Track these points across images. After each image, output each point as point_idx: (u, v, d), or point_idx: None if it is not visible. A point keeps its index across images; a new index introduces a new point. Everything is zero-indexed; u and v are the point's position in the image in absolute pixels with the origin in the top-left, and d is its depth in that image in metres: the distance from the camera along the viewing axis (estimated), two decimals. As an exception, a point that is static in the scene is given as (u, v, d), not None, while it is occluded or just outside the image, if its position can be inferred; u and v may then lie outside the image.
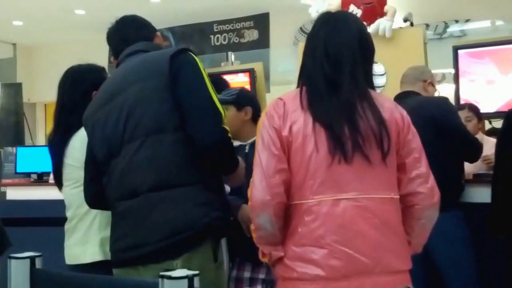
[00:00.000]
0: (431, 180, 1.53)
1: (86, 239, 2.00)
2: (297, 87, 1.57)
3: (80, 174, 1.84)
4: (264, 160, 1.47)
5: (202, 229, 1.58)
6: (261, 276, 2.30)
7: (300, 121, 1.47)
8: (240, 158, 1.77)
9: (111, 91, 1.74)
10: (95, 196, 1.78)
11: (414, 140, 1.54)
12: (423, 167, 1.52)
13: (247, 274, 2.30)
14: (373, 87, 1.59)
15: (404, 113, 1.57)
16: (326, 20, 1.60)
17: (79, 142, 1.98)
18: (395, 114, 1.53)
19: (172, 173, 1.60)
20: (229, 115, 2.37)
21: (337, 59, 1.52)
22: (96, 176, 1.75)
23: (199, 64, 1.68)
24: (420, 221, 1.53)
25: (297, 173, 1.46)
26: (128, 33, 1.84)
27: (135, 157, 1.62)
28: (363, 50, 1.55)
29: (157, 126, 1.61)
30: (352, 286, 1.41)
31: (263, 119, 1.53)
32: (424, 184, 1.51)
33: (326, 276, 1.41)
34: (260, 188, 1.46)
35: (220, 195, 1.69)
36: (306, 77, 1.56)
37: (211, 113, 1.62)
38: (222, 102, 2.39)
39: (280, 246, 1.49)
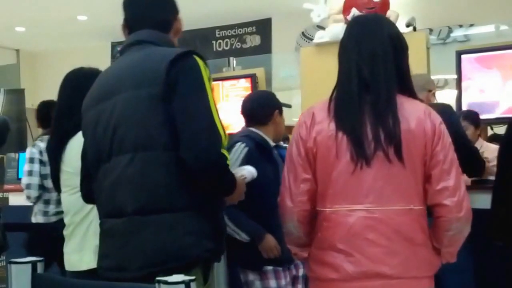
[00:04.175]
0: (460, 194, 1.50)
1: (82, 245, 1.99)
2: (332, 93, 1.58)
3: (77, 180, 1.81)
4: (290, 170, 1.56)
5: (190, 261, 1.44)
6: (284, 282, 2.40)
7: (325, 131, 1.52)
8: (238, 175, 1.63)
9: (104, 90, 1.61)
10: (89, 193, 1.69)
11: (443, 151, 1.50)
12: (452, 179, 1.49)
13: (273, 284, 2.37)
14: (408, 88, 1.58)
15: (438, 122, 1.53)
16: (357, 22, 1.64)
17: (75, 148, 1.95)
18: (424, 124, 1.50)
19: (160, 196, 1.46)
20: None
21: (372, 58, 1.53)
22: (89, 174, 1.66)
23: (203, 71, 1.49)
24: (448, 233, 1.52)
25: (321, 182, 1.53)
26: (143, 10, 1.62)
27: (124, 174, 1.49)
28: (396, 50, 1.56)
29: (146, 142, 1.47)
30: (364, 287, 1.46)
31: (294, 129, 1.60)
32: (451, 198, 1.49)
33: (339, 277, 1.48)
34: (285, 196, 1.57)
35: (214, 222, 1.52)
36: (340, 80, 1.57)
37: (208, 135, 1.44)
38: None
39: (307, 248, 1.59)
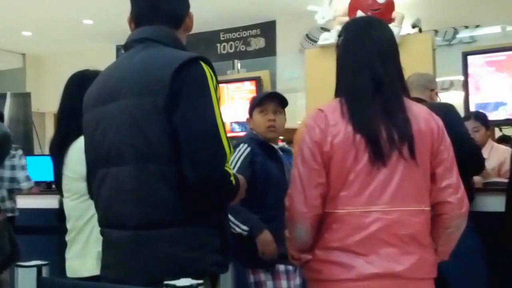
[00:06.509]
0: (461, 191, 1.54)
1: (84, 252, 1.96)
2: (335, 96, 1.57)
3: (77, 186, 1.78)
4: (304, 174, 1.52)
5: (195, 277, 1.32)
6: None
7: (341, 134, 1.50)
8: (240, 177, 1.55)
9: (107, 91, 1.51)
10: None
11: (447, 150, 1.54)
12: (454, 177, 1.53)
13: (284, 285, 2.37)
14: (406, 90, 1.60)
15: (440, 123, 1.57)
16: (358, 23, 1.66)
17: (76, 153, 1.91)
18: (431, 124, 1.54)
19: (164, 210, 1.40)
20: None
21: (382, 56, 1.54)
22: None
23: (209, 81, 1.39)
24: (448, 230, 1.54)
25: (333, 184, 1.50)
26: (153, 0, 1.50)
27: (125, 186, 1.43)
28: (395, 52, 1.59)
29: (148, 154, 1.40)
30: (373, 286, 1.46)
31: (303, 131, 1.55)
32: (454, 195, 1.52)
33: (350, 277, 1.46)
34: (299, 201, 1.52)
35: (220, 233, 1.46)
36: (346, 79, 1.57)
37: (212, 155, 1.37)
38: None
39: (309, 252, 1.56)
